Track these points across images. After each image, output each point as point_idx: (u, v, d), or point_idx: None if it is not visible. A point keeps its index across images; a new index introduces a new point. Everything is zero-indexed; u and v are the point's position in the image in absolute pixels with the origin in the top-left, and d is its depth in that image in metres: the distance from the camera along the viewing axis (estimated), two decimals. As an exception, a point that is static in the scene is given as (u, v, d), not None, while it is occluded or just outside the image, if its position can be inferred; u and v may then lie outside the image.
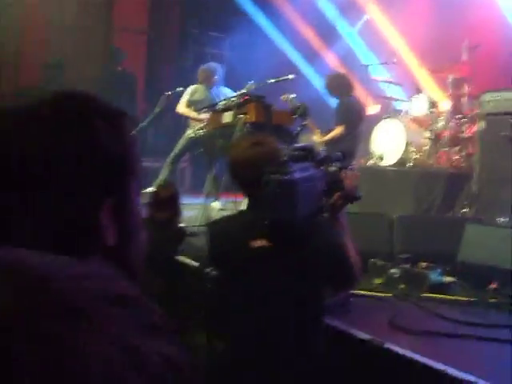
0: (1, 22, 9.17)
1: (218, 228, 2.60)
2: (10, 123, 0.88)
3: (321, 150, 6.14)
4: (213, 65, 8.20)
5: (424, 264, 4.30)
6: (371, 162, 7.99)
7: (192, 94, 7.89)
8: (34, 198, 0.84)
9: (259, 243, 2.29)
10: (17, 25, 9.39)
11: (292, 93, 6.48)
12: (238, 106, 5.81)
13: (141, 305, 0.44)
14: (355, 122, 7.03)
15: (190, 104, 7.82)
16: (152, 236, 3.51)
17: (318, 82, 10.06)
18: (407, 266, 4.34)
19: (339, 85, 7.07)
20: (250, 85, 6.43)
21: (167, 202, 4.11)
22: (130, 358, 0.37)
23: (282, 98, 6.45)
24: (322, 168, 2.35)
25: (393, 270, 4.32)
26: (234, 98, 6.24)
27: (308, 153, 2.34)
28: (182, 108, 7.88)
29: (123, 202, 0.94)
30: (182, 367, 0.42)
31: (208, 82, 7.92)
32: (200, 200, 6.65)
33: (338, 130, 6.89)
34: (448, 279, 4.21)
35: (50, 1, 9.71)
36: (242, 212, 2.75)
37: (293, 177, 2.07)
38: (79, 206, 0.87)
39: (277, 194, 2.03)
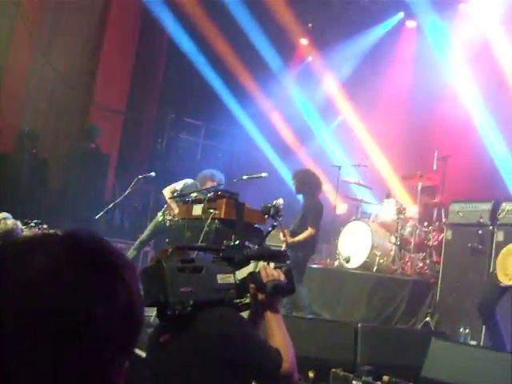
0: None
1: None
2: (30, 279, 0.86)
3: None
4: (218, 175, 7.71)
5: (386, 378, 4.18)
6: (336, 263, 7.95)
7: (183, 187, 7.54)
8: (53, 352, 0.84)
9: (164, 337, 2.36)
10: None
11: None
12: (209, 200, 5.63)
13: None
14: (320, 224, 6.84)
15: (175, 192, 7.46)
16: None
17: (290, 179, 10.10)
18: (369, 378, 4.21)
19: (311, 183, 6.87)
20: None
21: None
22: None
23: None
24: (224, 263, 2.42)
25: (355, 383, 4.20)
26: (206, 192, 6.12)
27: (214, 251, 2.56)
28: (167, 192, 7.54)
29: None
30: None
31: (204, 186, 7.43)
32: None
33: (310, 232, 6.61)
34: (410, 395, 4.10)
35: (30, 71, 9.80)
36: None
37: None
38: (94, 363, 0.88)
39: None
